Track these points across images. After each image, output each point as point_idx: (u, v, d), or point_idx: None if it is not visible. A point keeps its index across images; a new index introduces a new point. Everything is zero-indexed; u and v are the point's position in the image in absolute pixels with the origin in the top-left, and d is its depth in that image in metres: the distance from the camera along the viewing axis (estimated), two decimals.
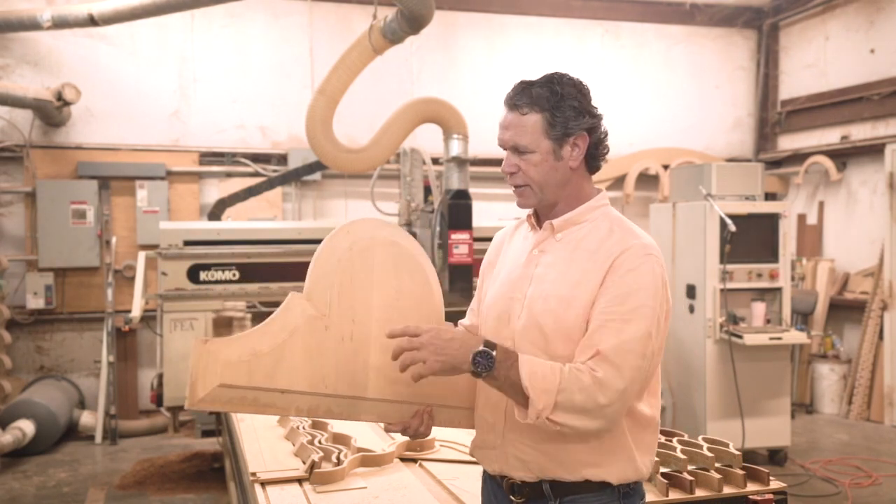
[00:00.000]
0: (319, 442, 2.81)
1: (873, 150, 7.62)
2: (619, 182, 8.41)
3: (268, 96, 7.69)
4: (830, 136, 8.24)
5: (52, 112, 6.86)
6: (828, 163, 8.00)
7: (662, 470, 2.49)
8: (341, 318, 1.87)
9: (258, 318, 6.10)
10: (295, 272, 5.39)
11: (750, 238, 5.67)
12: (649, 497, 2.21)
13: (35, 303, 6.95)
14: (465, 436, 2.88)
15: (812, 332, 7.46)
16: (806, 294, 7.69)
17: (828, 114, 8.22)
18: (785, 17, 8.76)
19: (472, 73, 8.20)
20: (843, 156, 8.04)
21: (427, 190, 5.82)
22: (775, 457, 5.84)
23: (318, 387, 1.84)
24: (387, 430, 1.93)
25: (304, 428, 3.01)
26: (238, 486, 3.33)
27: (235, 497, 3.80)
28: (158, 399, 5.37)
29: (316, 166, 6.43)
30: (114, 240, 7.10)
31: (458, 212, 5.32)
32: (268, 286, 5.52)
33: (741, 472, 2.49)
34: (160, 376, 5.39)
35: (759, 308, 5.71)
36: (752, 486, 2.48)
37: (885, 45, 7.63)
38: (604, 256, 1.76)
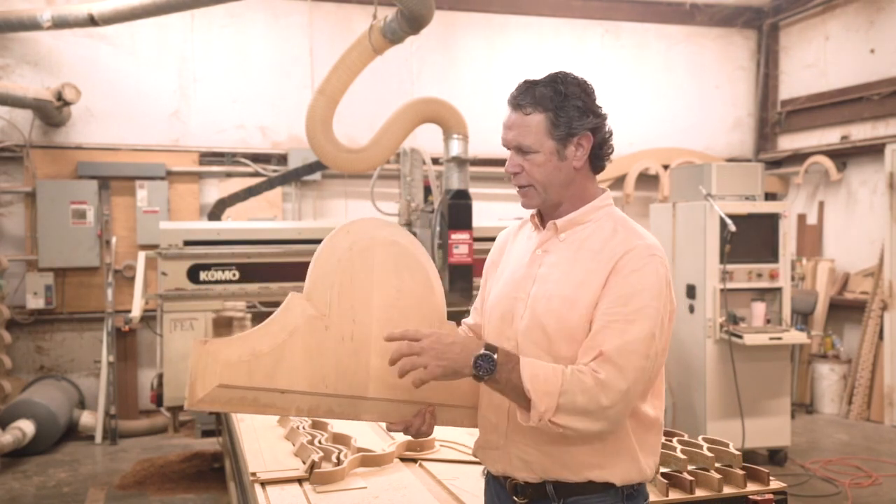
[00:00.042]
0: (319, 442, 2.81)
1: (873, 150, 7.62)
2: (619, 182, 8.41)
3: (268, 96, 7.69)
4: (830, 136, 8.24)
5: (52, 112, 6.86)
6: (828, 163, 8.00)
7: (662, 470, 2.49)
8: (341, 318, 1.86)
9: (258, 318, 6.10)
10: (295, 272, 5.38)
11: (750, 238, 5.67)
12: (649, 497, 2.20)
13: (35, 303, 6.95)
14: (466, 436, 2.88)
15: (812, 332, 7.46)
16: (806, 294, 7.69)
17: (828, 114, 8.22)
18: (785, 17, 8.75)
19: (472, 73, 8.19)
20: (843, 156, 8.04)
21: (427, 190, 5.81)
22: (775, 457, 5.84)
23: (319, 387, 1.83)
24: (389, 430, 1.93)
25: (304, 428, 3.01)
26: (238, 486, 3.32)
27: (235, 497, 3.80)
28: (158, 399, 5.37)
29: (316, 166, 6.43)
30: (114, 240, 7.10)
31: (458, 212, 5.31)
32: (268, 286, 5.52)
33: (741, 472, 2.49)
34: (160, 376, 5.39)
35: (759, 308, 5.71)
36: (752, 486, 2.47)
37: (885, 45, 7.63)
38: (607, 257, 1.75)
